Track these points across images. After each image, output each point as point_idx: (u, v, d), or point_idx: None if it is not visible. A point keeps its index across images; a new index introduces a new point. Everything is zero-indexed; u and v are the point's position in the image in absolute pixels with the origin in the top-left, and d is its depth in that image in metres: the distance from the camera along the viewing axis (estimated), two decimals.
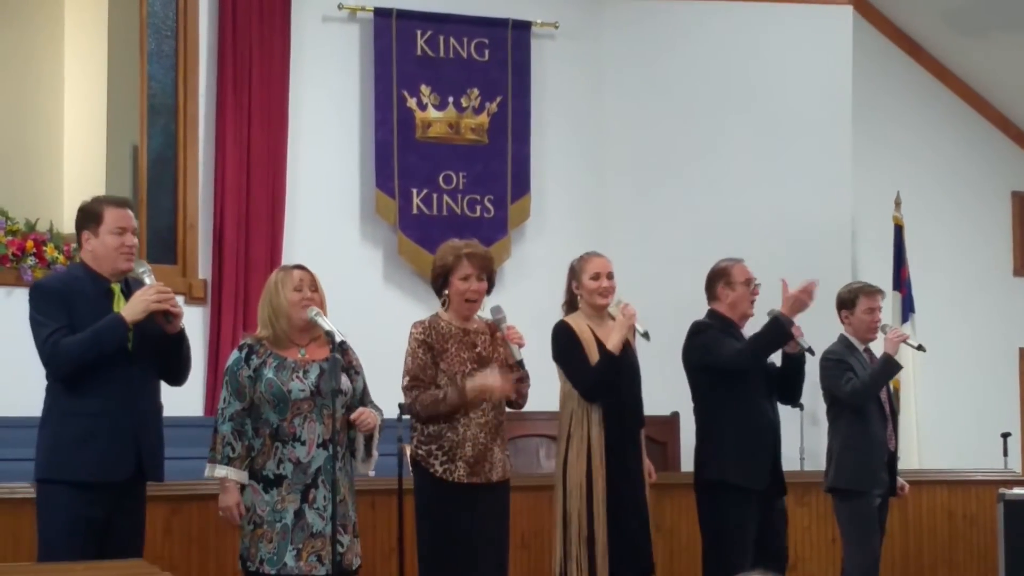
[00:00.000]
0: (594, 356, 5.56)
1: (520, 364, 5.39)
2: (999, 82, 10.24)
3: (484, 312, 5.51)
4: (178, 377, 5.04)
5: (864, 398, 6.28)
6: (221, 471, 4.89)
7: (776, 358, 6.03)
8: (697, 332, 5.93)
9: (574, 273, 5.74)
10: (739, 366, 5.80)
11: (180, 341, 4.95)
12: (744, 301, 5.98)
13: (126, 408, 4.77)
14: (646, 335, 5.56)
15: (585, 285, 5.68)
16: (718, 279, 6.03)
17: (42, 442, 4.78)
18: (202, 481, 5.32)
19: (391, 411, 6.01)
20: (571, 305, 5.77)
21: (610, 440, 5.54)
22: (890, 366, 6.35)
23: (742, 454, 5.78)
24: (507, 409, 5.53)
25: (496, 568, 5.39)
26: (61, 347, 4.69)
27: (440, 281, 5.42)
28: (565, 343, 5.64)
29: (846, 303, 6.49)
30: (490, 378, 5.27)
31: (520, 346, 5.39)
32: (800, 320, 5.88)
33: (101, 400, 4.73)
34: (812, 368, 6.43)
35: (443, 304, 5.43)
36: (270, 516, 4.87)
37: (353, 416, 5.01)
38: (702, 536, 5.89)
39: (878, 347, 6.49)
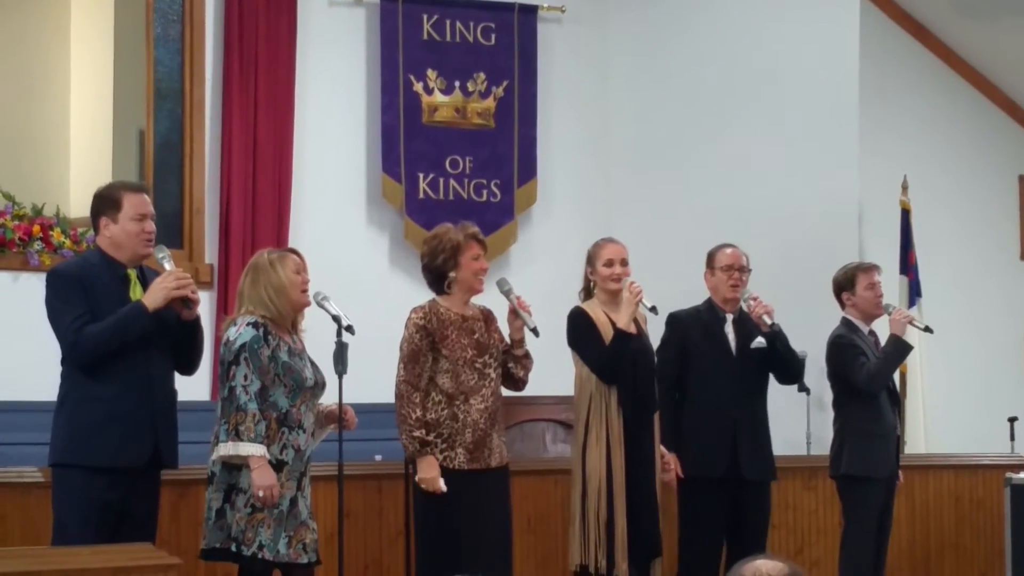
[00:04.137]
0: (609, 339, 5.58)
1: (535, 331, 5.40)
2: (1007, 66, 10.19)
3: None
4: (189, 366, 5.05)
5: (880, 384, 6.23)
6: (256, 449, 4.73)
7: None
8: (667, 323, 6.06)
9: (589, 259, 5.76)
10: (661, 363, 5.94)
11: (195, 330, 4.95)
12: (722, 286, 6.03)
13: (144, 393, 4.78)
14: (654, 309, 5.59)
15: (599, 271, 5.71)
16: (706, 263, 6.08)
17: (59, 427, 4.78)
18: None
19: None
20: (588, 292, 5.80)
21: (625, 425, 5.57)
22: (901, 347, 6.29)
23: (697, 443, 5.90)
24: (509, 392, 5.56)
25: (500, 554, 5.40)
26: (85, 335, 4.68)
27: (451, 262, 5.41)
28: (580, 327, 5.67)
29: (845, 284, 6.40)
30: (430, 474, 5.22)
31: (529, 314, 5.41)
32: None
33: (119, 385, 4.73)
34: (818, 354, 6.43)
35: (448, 286, 5.42)
36: None
37: (347, 412, 5.12)
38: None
39: (881, 327, 6.45)
